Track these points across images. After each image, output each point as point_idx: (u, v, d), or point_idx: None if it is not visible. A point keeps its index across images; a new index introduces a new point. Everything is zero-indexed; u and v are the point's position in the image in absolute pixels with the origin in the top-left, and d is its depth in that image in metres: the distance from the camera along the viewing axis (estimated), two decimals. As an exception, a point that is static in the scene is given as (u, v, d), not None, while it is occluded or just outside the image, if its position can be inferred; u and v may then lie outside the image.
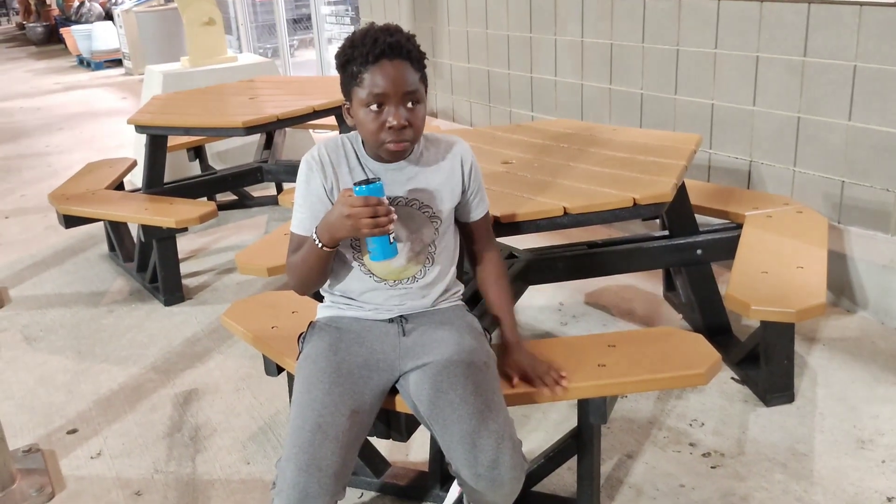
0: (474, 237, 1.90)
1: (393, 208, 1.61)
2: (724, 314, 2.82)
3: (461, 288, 1.91)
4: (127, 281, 3.78)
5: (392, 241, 1.63)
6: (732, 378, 2.62)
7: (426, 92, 1.72)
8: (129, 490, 2.28)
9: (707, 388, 2.56)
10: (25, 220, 4.81)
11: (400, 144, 1.65)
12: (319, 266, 1.72)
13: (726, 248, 2.72)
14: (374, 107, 1.63)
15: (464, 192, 1.82)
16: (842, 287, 3.06)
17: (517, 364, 1.83)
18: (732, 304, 2.29)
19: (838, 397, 2.49)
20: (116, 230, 3.92)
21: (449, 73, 5.26)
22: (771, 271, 2.41)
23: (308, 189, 1.75)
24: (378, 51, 1.61)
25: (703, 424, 2.40)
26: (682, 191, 2.69)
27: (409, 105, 1.64)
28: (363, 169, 1.74)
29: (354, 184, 1.60)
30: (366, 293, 1.79)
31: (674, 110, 3.66)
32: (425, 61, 1.72)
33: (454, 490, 1.92)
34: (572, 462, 2.04)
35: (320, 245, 1.66)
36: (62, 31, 13.29)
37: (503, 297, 1.90)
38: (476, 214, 1.87)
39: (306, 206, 1.75)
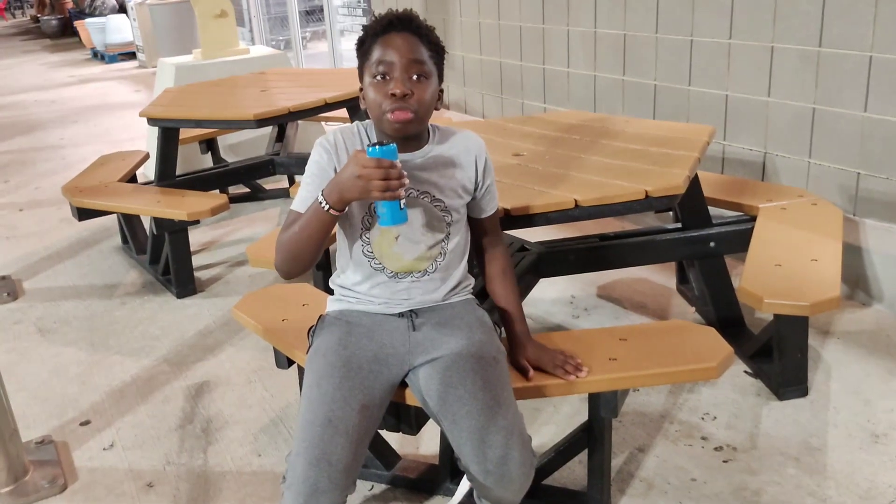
0: (483, 233, 1.89)
1: (405, 172, 1.57)
2: (738, 307, 2.80)
3: (472, 282, 1.90)
4: (140, 273, 3.79)
5: (403, 206, 1.58)
6: (745, 371, 2.60)
7: (440, 80, 1.71)
8: (141, 482, 2.29)
9: (719, 381, 2.54)
10: (39, 213, 4.84)
11: (400, 113, 1.62)
12: (318, 234, 1.63)
13: (740, 241, 2.69)
14: (379, 77, 1.64)
15: (476, 188, 1.81)
16: (857, 280, 3.03)
17: (530, 357, 1.82)
18: (745, 297, 2.27)
19: (852, 391, 2.47)
20: (129, 223, 3.93)
21: (461, 65, 5.24)
22: (785, 264, 2.39)
23: (319, 169, 1.72)
24: (386, 22, 1.65)
25: (715, 418, 2.38)
26: (695, 183, 2.66)
27: (416, 77, 1.63)
28: None
29: (368, 145, 1.57)
30: (376, 287, 1.78)
31: (687, 101, 3.64)
32: (443, 52, 1.72)
33: (464, 484, 1.91)
34: (583, 456, 2.03)
35: (327, 207, 1.59)
36: (76, 23, 13.34)
37: (510, 292, 1.89)
38: (487, 211, 1.86)
39: (313, 186, 1.70)
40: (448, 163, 1.76)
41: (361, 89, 1.73)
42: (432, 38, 1.69)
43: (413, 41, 1.65)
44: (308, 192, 1.71)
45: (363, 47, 1.69)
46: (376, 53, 1.65)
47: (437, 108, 1.74)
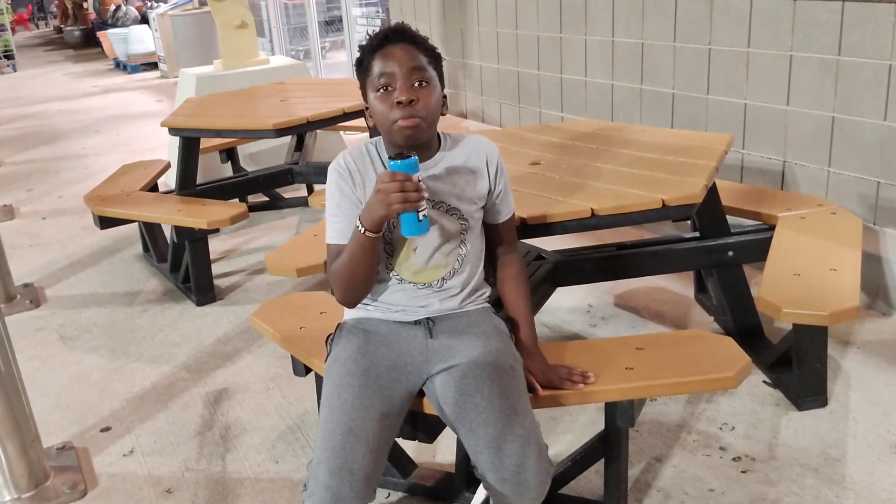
0: (498, 239, 1.89)
1: (423, 185, 1.60)
2: (756, 317, 2.78)
3: (488, 290, 1.91)
4: (160, 281, 3.83)
5: (422, 217, 1.61)
6: (764, 381, 2.59)
7: (442, 84, 1.74)
8: (160, 488, 2.31)
9: (738, 391, 2.53)
10: (62, 221, 4.90)
11: (409, 120, 1.65)
12: (366, 259, 1.68)
13: (758, 250, 2.68)
14: (382, 90, 1.67)
15: (490, 193, 1.82)
16: (877, 289, 3.01)
17: (534, 371, 1.81)
18: (764, 306, 2.26)
19: (872, 402, 2.45)
20: (150, 231, 3.97)
21: (479, 74, 5.26)
22: (804, 273, 2.38)
23: (341, 197, 1.75)
24: (382, 36, 1.70)
25: (733, 428, 2.37)
26: (713, 192, 2.66)
27: (418, 84, 1.67)
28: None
29: (390, 158, 1.61)
30: (393, 295, 1.80)
31: (706, 110, 3.63)
32: (440, 58, 1.75)
33: (480, 492, 1.92)
34: (600, 465, 2.03)
35: (363, 230, 1.64)
36: (99, 34, 13.51)
37: (521, 297, 1.89)
38: (502, 217, 1.87)
39: (341, 215, 1.75)
40: (461, 169, 1.78)
41: (366, 108, 1.75)
42: (428, 46, 1.73)
43: (411, 50, 1.69)
44: (337, 222, 1.76)
45: (363, 66, 1.73)
46: (377, 67, 1.68)
47: (443, 114, 1.77)
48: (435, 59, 1.73)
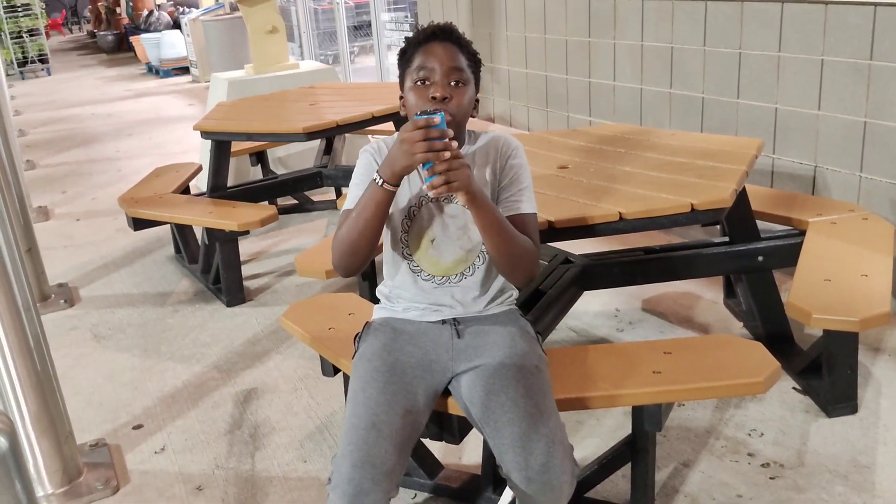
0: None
1: (452, 139, 1.55)
2: (786, 322, 2.76)
3: (515, 292, 1.92)
4: (192, 282, 3.88)
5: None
6: (794, 388, 2.57)
7: (477, 88, 1.78)
8: (190, 485, 2.35)
9: (767, 397, 2.51)
10: (96, 223, 4.98)
11: None
12: (375, 216, 1.66)
13: (789, 255, 2.66)
14: (419, 82, 1.72)
15: (497, 182, 1.80)
16: (910, 296, 2.97)
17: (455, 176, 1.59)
18: (794, 312, 2.24)
19: (904, 409, 2.42)
20: (182, 233, 4.03)
21: (507, 79, 5.27)
22: (834, 279, 2.36)
23: (366, 172, 1.77)
24: (429, 32, 1.75)
25: (762, 434, 2.36)
26: (742, 196, 2.64)
27: (454, 83, 1.71)
28: None
29: (416, 113, 1.59)
30: (417, 291, 1.82)
31: (736, 114, 3.61)
32: (480, 62, 1.79)
33: (507, 494, 1.92)
34: (626, 469, 2.03)
35: (380, 182, 1.63)
36: (132, 39, 13.71)
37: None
38: (511, 209, 1.77)
39: (361, 187, 1.74)
40: (481, 165, 1.81)
41: (402, 97, 1.79)
42: (471, 49, 1.79)
43: (453, 50, 1.74)
44: (357, 192, 1.76)
45: (405, 56, 1.78)
46: (418, 60, 1.73)
47: (472, 116, 1.80)
48: (475, 63, 1.78)
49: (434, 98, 1.69)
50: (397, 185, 1.66)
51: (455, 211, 1.78)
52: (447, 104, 1.69)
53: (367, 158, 1.81)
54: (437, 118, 1.55)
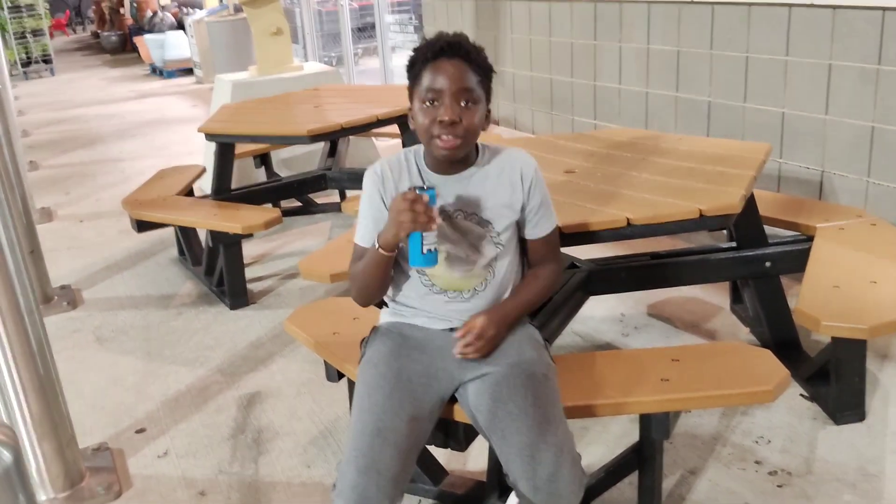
0: (539, 255, 1.86)
1: (438, 216, 1.64)
2: (794, 329, 2.74)
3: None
4: (195, 285, 3.87)
5: (429, 250, 1.65)
6: (801, 395, 2.55)
7: (488, 102, 1.74)
8: (193, 490, 2.33)
9: (774, 404, 2.49)
10: (99, 224, 4.97)
11: (449, 141, 1.66)
12: (377, 273, 1.73)
13: (796, 261, 2.64)
14: (428, 102, 1.68)
15: (523, 207, 1.80)
16: (918, 303, 2.95)
17: (478, 329, 1.71)
18: (802, 318, 2.23)
19: (913, 417, 2.41)
20: (186, 235, 4.02)
21: (511, 82, 5.26)
22: (843, 286, 2.34)
23: (371, 203, 1.79)
24: (437, 48, 1.69)
25: (769, 442, 2.34)
26: (750, 202, 2.62)
27: (464, 104, 1.67)
28: (423, 181, 1.76)
29: (409, 188, 1.66)
30: (427, 303, 1.80)
31: (742, 119, 3.59)
32: (491, 73, 1.74)
33: (512, 499, 1.91)
34: (633, 477, 2.01)
35: (377, 247, 1.68)
36: (135, 39, 13.72)
37: (528, 285, 1.83)
38: (538, 232, 1.83)
39: (369, 219, 1.79)
40: (495, 182, 1.78)
41: (411, 109, 1.76)
42: (481, 63, 1.72)
43: (462, 68, 1.68)
44: (364, 226, 1.81)
45: (413, 70, 1.73)
46: (426, 80, 1.68)
47: (484, 129, 1.76)
48: (486, 76, 1.72)
49: (442, 122, 1.65)
50: (393, 252, 1.69)
51: (468, 227, 1.76)
52: (456, 128, 1.66)
53: (368, 187, 1.80)
54: (427, 196, 1.62)
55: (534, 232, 1.83)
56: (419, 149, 1.80)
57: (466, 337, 1.70)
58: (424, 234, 1.63)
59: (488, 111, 1.75)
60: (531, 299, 1.83)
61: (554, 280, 1.88)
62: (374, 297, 1.83)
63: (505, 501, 1.99)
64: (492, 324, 1.73)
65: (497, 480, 2.10)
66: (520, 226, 1.82)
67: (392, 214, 1.64)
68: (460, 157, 1.74)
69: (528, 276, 1.87)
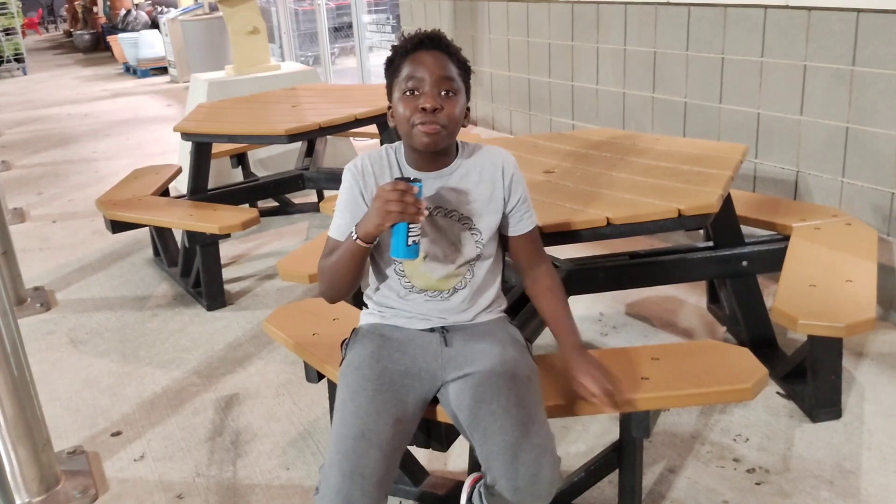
0: (523, 253, 1.86)
1: (426, 208, 1.62)
2: (770, 327, 2.77)
3: (504, 303, 1.90)
4: (171, 286, 3.83)
5: (413, 242, 1.61)
6: (778, 393, 2.57)
7: (468, 98, 1.74)
8: (171, 493, 2.31)
9: (752, 402, 2.51)
10: (73, 225, 4.91)
11: (430, 127, 1.65)
12: (351, 266, 1.69)
13: (773, 260, 2.67)
14: (408, 92, 1.67)
15: (505, 204, 1.80)
16: (891, 301, 2.99)
17: (589, 373, 1.71)
18: (779, 317, 2.25)
19: (887, 414, 2.43)
20: (161, 235, 3.98)
21: (489, 82, 5.26)
22: (819, 284, 2.37)
23: (350, 197, 1.77)
24: (417, 41, 1.70)
25: (747, 440, 2.35)
26: (727, 201, 2.64)
27: (445, 93, 1.67)
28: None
29: (395, 179, 1.63)
30: (406, 302, 1.80)
31: (718, 119, 3.62)
32: (469, 70, 1.75)
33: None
34: (613, 475, 2.02)
35: (355, 237, 1.65)
36: (109, 38, 13.58)
37: (561, 310, 1.83)
38: (521, 228, 1.84)
39: (347, 213, 1.76)
40: (477, 181, 1.78)
41: (390, 107, 1.75)
42: (460, 57, 1.74)
43: (442, 59, 1.69)
44: (340, 219, 1.77)
45: (392, 65, 1.73)
46: (406, 70, 1.68)
47: (464, 126, 1.76)
48: (465, 71, 1.74)
49: (424, 109, 1.65)
50: (371, 243, 1.66)
51: (447, 225, 1.76)
52: (437, 115, 1.65)
53: (348, 181, 1.78)
54: (416, 188, 1.59)
55: (517, 229, 1.83)
56: (399, 145, 1.79)
57: (598, 396, 1.69)
58: (411, 225, 1.60)
59: (468, 108, 1.76)
60: (569, 313, 1.83)
61: (559, 281, 1.88)
62: (342, 293, 1.78)
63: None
64: (590, 364, 1.73)
65: (478, 480, 2.10)
66: (501, 224, 1.82)
67: (377, 203, 1.59)
68: (441, 149, 1.72)
69: (544, 292, 1.84)
